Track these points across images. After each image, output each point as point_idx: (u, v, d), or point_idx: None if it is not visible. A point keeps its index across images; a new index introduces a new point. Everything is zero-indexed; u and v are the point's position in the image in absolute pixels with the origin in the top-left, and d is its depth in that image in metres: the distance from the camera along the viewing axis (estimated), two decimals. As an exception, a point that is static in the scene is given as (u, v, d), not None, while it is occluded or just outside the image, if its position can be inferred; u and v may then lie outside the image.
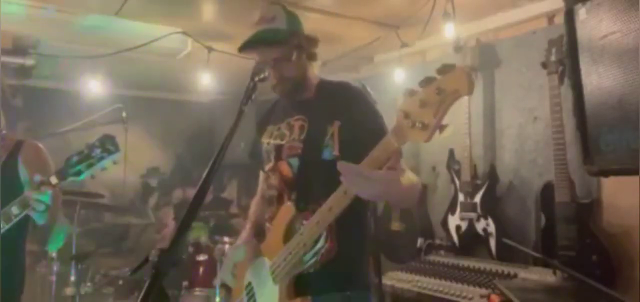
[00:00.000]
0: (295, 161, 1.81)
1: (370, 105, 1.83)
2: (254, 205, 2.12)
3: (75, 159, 1.92)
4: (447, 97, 1.29)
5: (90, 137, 1.98)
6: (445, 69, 1.29)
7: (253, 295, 1.88)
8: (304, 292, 1.72)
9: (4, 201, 1.95)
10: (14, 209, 1.89)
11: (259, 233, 1.98)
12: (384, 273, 2.89)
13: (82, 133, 4.66)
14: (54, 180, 1.90)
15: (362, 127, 1.69)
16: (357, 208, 1.62)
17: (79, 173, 1.92)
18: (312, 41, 1.91)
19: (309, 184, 1.74)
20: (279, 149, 1.86)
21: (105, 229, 4.72)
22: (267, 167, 1.90)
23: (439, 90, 1.29)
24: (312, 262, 1.69)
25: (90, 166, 1.92)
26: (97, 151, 1.93)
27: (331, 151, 1.73)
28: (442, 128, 1.32)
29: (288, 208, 1.75)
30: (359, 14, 3.41)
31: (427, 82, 1.31)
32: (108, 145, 1.95)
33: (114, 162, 1.96)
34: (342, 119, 1.75)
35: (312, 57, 1.92)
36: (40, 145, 2.20)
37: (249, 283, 1.91)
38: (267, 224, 1.91)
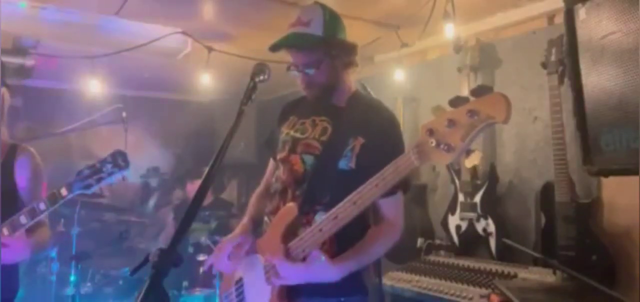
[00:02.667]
0: (309, 159, 1.78)
1: (397, 131, 1.80)
2: (255, 198, 2.07)
3: (86, 172, 1.97)
4: (480, 121, 1.21)
5: (91, 137, 2.02)
6: (481, 91, 1.23)
7: (242, 291, 1.85)
8: (297, 296, 1.69)
9: (2, 205, 1.97)
10: (22, 219, 1.94)
11: (257, 227, 1.95)
12: (384, 273, 2.89)
13: (82, 133, 4.65)
14: (64, 192, 1.94)
15: (384, 150, 1.66)
16: (359, 216, 1.60)
17: (89, 186, 1.97)
18: (349, 48, 1.85)
19: (318, 186, 1.72)
20: (296, 142, 1.83)
21: (105, 229, 4.72)
22: (280, 156, 1.87)
23: (472, 112, 1.21)
24: None
25: (100, 179, 1.97)
26: (108, 166, 1.98)
27: (348, 162, 1.71)
28: (468, 153, 1.26)
29: (291, 208, 1.71)
30: (359, 14, 3.41)
31: (458, 101, 1.26)
32: (119, 160, 2.01)
33: (123, 178, 2.01)
34: (367, 136, 1.72)
35: (348, 64, 1.86)
36: (34, 151, 2.22)
37: (240, 278, 1.87)
38: (266, 219, 1.87)
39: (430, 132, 1.28)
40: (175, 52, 4.01)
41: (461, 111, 1.23)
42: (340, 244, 1.66)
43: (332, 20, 1.82)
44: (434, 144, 1.28)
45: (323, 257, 1.57)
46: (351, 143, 1.73)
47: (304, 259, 1.61)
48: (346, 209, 1.50)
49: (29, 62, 3.95)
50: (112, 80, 4.40)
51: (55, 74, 4.73)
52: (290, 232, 1.67)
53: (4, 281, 2.01)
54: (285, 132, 1.90)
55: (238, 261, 1.86)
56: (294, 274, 1.59)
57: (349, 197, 1.51)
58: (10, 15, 3.24)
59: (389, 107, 1.89)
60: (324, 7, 1.83)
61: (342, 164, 1.72)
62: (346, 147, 1.73)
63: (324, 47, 1.77)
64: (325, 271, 1.58)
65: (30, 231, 2.04)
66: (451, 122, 1.24)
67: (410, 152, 1.36)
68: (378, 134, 1.74)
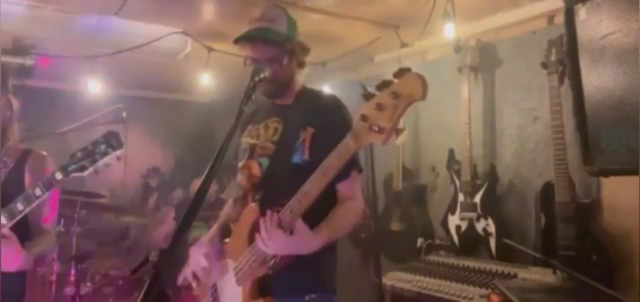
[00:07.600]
0: (265, 161, 1.85)
1: (346, 116, 1.84)
2: (227, 206, 2.13)
3: (79, 154, 1.96)
4: (402, 101, 1.33)
5: (91, 137, 2.00)
6: (400, 73, 1.33)
7: (217, 297, 1.89)
8: (266, 292, 1.73)
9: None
10: (19, 206, 1.92)
11: (226, 234, 1.98)
12: (384, 273, 2.89)
13: (82, 133, 4.63)
14: (58, 176, 1.93)
15: (334, 136, 1.66)
16: (324, 210, 1.69)
17: (83, 168, 1.95)
18: (305, 49, 1.96)
19: (276, 185, 1.76)
20: (252, 148, 1.90)
21: (105, 229, 4.72)
22: (240, 164, 1.94)
23: (394, 94, 1.33)
24: (272, 264, 1.69)
25: (94, 161, 1.96)
26: (102, 147, 1.97)
27: (301, 155, 1.77)
28: (398, 132, 1.37)
29: (252, 209, 1.76)
30: (359, 14, 3.41)
31: (383, 85, 1.36)
32: (112, 141, 2.00)
33: (118, 158, 2.00)
34: (316, 126, 1.79)
35: (301, 64, 1.96)
36: (46, 154, 2.22)
37: (214, 284, 1.91)
38: (231, 225, 1.91)
39: (363, 117, 1.40)
40: (175, 52, 4.00)
41: (385, 94, 1.35)
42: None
43: (292, 21, 1.92)
44: (367, 128, 1.39)
45: (307, 228, 1.64)
46: (302, 136, 1.79)
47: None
48: (300, 201, 1.57)
49: (29, 62, 3.95)
50: (112, 80, 4.41)
51: (55, 74, 4.73)
52: (254, 232, 1.70)
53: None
54: (244, 141, 1.97)
55: (211, 269, 1.88)
56: (282, 244, 1.63)
57: (301, 189, 1.57)
58: (10, 15, 3.23)
59: (333, 93, 2.00)
60: (284, 9, 1.93)
61: (296, 158, 1.78)
62: (297, 141, 1.79)
63: (287, 44, 1.86)
64: (310, 241, 1.65)
65: (31, 239, 2.02)
66: (379, 106, 1.36)
67: (348, 138, 1.47)
68: (326, 120, 1.80)
